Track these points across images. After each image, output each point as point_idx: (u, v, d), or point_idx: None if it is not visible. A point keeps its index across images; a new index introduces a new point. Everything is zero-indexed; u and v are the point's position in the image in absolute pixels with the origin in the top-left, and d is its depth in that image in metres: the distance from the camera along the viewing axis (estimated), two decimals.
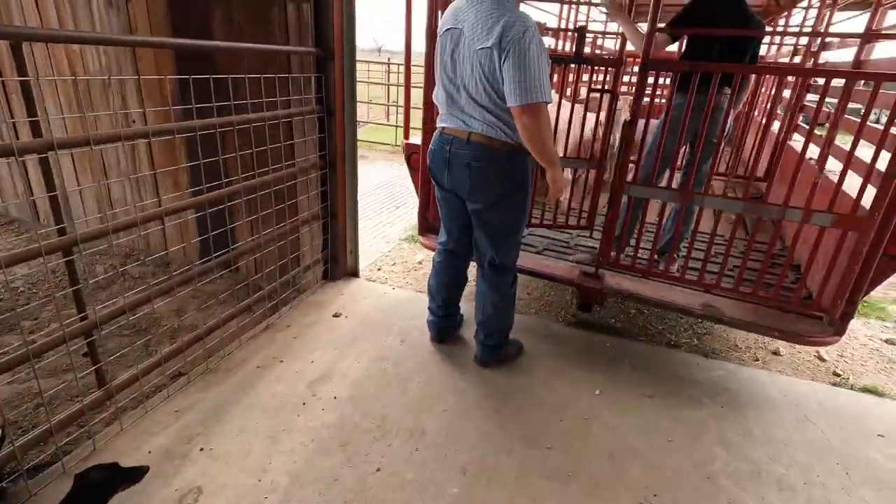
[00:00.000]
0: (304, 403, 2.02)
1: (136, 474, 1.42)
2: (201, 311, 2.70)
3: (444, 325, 2.47)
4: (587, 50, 4.99)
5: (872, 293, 3.35)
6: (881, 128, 1.92)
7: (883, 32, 2.87)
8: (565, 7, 5.36)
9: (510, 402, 2.10)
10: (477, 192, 1.93)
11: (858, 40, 2.92)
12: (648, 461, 1.85)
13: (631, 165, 2.31)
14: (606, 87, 2.44)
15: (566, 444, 1.91)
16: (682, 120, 2.15)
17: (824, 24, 3.77)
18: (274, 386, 2.11)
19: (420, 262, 3.54)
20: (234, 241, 2.73)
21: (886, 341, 2.89)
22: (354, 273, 3.19)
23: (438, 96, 1.99)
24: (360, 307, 2.80)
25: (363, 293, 2.97)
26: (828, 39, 3.64)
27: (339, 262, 3.09)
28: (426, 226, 2.87)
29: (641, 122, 2.27)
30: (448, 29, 1.84)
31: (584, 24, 5.51)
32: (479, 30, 1.71)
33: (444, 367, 2.32)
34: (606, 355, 2.49)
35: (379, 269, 3.41)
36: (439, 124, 2.00)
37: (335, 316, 2.69)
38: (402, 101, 9.11)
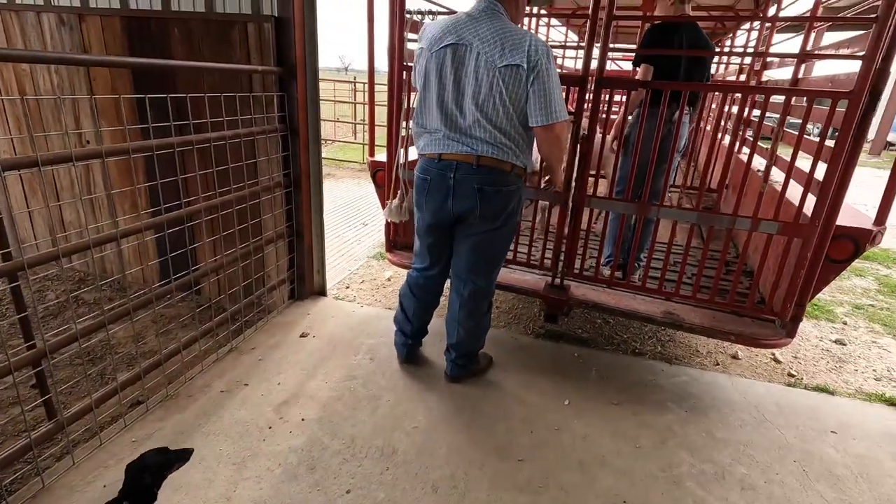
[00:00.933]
0: (269, 427, 1.96)
1: (186, 454, 1.47)
2: (161, 336, 2.61)
3: (416, 346, 2.45)
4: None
5: (820, 296, 3.54)
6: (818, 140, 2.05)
7: (815, 53, 3.08)
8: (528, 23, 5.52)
9: (481, 416, 2.10)
10: (487, 216, 1.88)
11: (795, 60, 3.13)
12: (617, 468, 1.88)
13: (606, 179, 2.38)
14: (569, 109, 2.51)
15: (537, 456, 1.91)
16: (655, 137, 2.22)
17: (765, 45, 4.02)
18: (238, 411, 2.05)
19: (388, 279, 3.53)
20: (195, 263, 2.65)
21: (835, 342, 3.04)
22: (322, 292, 3.15)
23: (429, 119, 1.87)
24: (327, 326, 2.76)
25: (331, 312, 2.93)
26: (769, 59, 3.88)
27: (306, 282, 3.05)
28: (393, 243, 2.88)
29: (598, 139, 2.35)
30: (449, 45, 1.75)
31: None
32: (499, 46, 1.67)
33: (415, 383, 2.30)
34: (574, 365, 2.53)
35: (347, 288, 3.37)
36: (432, 150, 1.88)
37: (302, 336, 2.64)
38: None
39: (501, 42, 1.67)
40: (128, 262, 3.19)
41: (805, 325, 3.20)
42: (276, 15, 2.49)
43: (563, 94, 2.01)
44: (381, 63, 2.77)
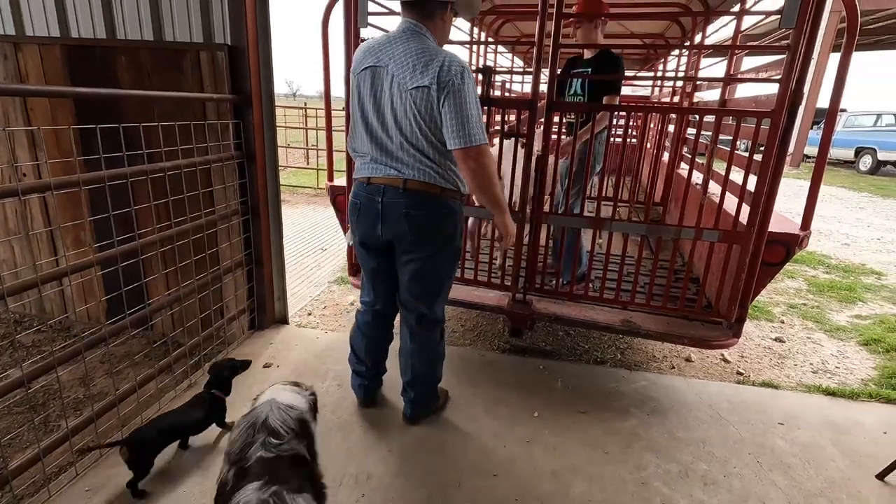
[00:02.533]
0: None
1: (247, 363, 2.15)
2: (112, 377, 2.46)
3: (375, 387, 2.31)
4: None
5: (758, 298, 3.81)
6: (747, 155, 2.25)
7: (738, 77, 3.38)
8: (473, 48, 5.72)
9: (454, 435, 2.11)
10: (418, 243, 1.81)
11: (721, 83, 3.42)
12: (588, 475, 1.93)
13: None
14: (513, 130, 2.64)
15: (512, 470, 1.94)
16: (605, 153, 2.40)
17: (694, 69, 4.37)
18: (200, 449, 1.96)
19: (352, 304, 3.50)
20: (149, 297, 2.53)
21: (775, 339, 3.27)
22: (283, 320, 3.08)
23: (359, 143, 1.84)
24: (291, 355, 2.70)
25: (294, 340, 2.87)
26: (698, 82, 4.22)
27: (267, 310, 2.98)
28: (355, 267, 2.87)
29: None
30: (368, 67, 1.72)
31: (490, 64, 5.90)
32: (410, 67, 1.61)
33: (387, 407, 2.29)
34: (540, 377, 2.59)
35: (309, 314, 3.32)
36: (362, 175, 1.84)
37: (266, 367, 2.57)
38: (321, 145, 9.08)
39: (413, 63, 1.61)
40: (71, 300, 3.01)
41: (748, 326, 3.42)
42: (230, 43, 2.49)
43: (514, 116, 2.10)
44: (337, 88, 2.80)
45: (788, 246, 2.21)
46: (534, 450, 2.06)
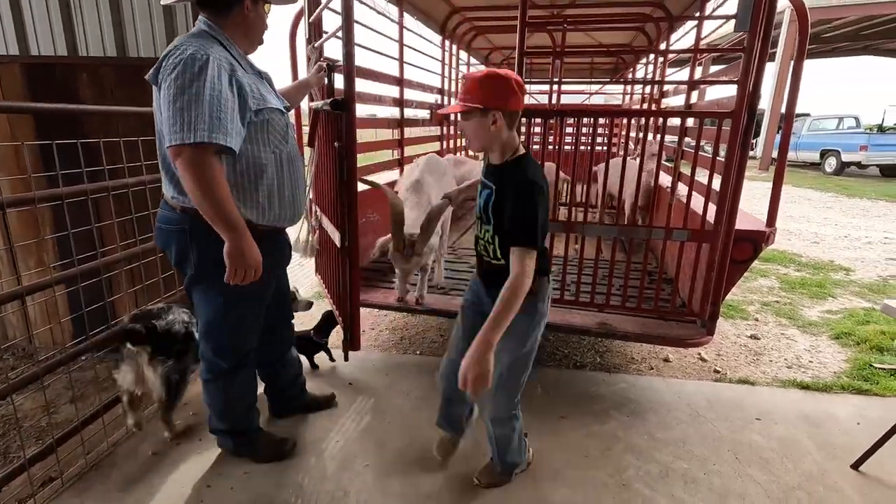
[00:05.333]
0: (208, 486, 1.82)
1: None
2: (78, 402, 2.36)
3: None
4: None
5: (733, 297, 3.87)
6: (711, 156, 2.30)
7: (701, 80, 3.48)
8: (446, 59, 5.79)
9: (433, 446, 2.08)
10: (175, 262, 1.68)
11: (686, 88, 3.51)
12: (569, 479, 1.91)
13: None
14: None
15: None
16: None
17: (660, 76, 4.48)
18: (172, 473, 1.89)
19: None
20: (114, 317, 2.45)
21: (750, 337, 3.32)
22: None
23: None
24: None
25: None
26: (665, 88, 4.33)
27: None
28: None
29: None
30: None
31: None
32: (158, 65, 1.46)
33: (363, 420, 2.24)
34: None
35: None
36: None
37: None
38: None
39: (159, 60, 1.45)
40: (34, 323, 2.90)
41: (723, 325, 3.47)
42: None
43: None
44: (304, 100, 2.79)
45: (755, 243, 2.26)
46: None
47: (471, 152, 5.31)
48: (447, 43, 4.96)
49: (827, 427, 2.29)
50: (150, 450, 2.01)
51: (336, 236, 2.10)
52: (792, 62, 2.22)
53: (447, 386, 1.82)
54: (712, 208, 2.21)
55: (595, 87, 6.92)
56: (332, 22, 3.00)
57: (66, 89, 2.55)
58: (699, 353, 3.01)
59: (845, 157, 13.11)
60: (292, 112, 2.04)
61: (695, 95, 3.80)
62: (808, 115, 15.89)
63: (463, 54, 5.67)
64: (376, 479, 1.89)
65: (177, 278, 2.46)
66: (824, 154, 13.82)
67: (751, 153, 18.05)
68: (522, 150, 1.50)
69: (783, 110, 13.47)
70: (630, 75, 6.65)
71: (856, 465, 2.00)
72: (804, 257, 5.26)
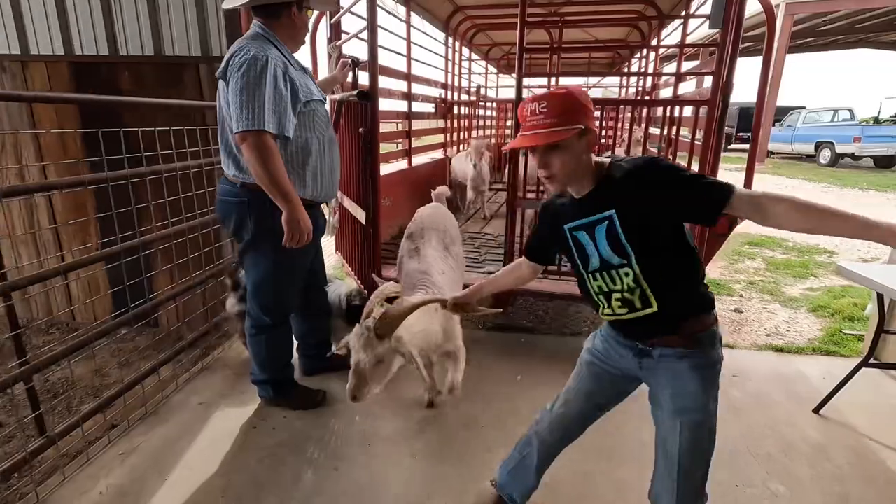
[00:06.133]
0: (254, 427, 2.11)
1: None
2: (124, 368, 2.65)
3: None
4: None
5: (721, 277, 4.14)
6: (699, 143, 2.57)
7: (685, 73, 3.74)
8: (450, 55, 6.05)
9: (447, 401, 2.35)
10: (230, 231, 1.96)
11: (673, 80, 3.78)
12: None
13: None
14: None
15: (498, 423, 2.19)
16: None
17: (653, 70, 4.74)
18: (220, 418, 2.17)
19: None
20: (152, 293, 2.67)
21: (734, 310, 3.60)
22: None
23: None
24: None
25: None
26: (658, 81, 4.59)
27: None
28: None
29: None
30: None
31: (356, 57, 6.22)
32: (224, 64, 1.72)
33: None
34: (522, 349, 2.86)
35: None
36: None
37: None
38: None
39: (225, 59, 1.72)
40: (78, 299, 3.17)
41: None
42: None
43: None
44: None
45: (731, 218, 2.52)
46: (517, 405, 2.31)
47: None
48: (450, 40, 5.22)
49: (796, 382, 2.56)
50: (199, 401, 2.29)
51: (360, 214, 2.38)
52: (762, 57, 2.48)
53: (542, 447, 1.52)
54: None
55: (593, 81, 7.18)
56: (350, 23, 3.26)
57: (110, 86, 2.81)
58: None
59: (839, 149, 13.35)
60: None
61: (684, 87, 4.07)
62: (803, 107, 16.14)
63: (465, 51, 5.92)
64: (402, 423, 2.17)
65: (205, 258, 2.73)
66: (819, 146, 14.06)
67: (744, 146, 18.26)
68: (600, 159, 1.22)
69: (780, 103, 13.53)
70: (626, 69, 6.91)
71: (816, 410, 2.28)
72: (791, 242, 5.53)
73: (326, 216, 2.67)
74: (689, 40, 3.58)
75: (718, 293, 3.92)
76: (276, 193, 1.72)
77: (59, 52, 2.92)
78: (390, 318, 1.58)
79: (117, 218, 2.11)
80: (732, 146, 19.50)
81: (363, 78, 2.24)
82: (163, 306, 2.57)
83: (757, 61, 2.49)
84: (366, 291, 2.56)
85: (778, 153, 16.19)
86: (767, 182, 10.46)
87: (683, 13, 3.47)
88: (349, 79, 2.44)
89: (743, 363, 2.77)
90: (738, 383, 2.56)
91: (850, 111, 14.52)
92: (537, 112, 1.13)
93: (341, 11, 2.57)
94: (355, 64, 2.41)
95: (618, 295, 1.20)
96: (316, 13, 2.90)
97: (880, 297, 2.13)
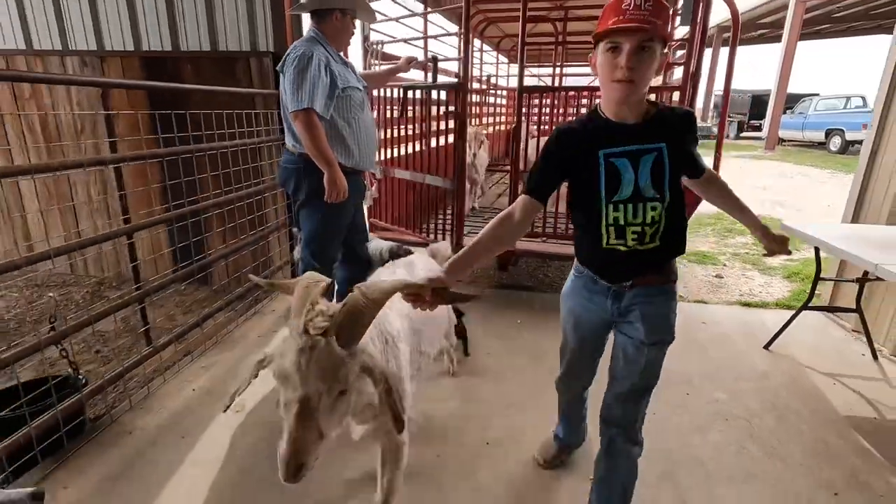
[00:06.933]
0: None
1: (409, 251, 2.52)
2: (188, 315, 3.18)
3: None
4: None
5: (711, 249, 4.55)
6: None
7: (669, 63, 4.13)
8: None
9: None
10: (290, 192, 2.47)
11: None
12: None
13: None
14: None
15: (501, 352, 2.68)
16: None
17: None
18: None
19: None
20: (205, 251, 3.15)
21: (716, 276, 4.02)
22: None
23: None
24: None
25: None
26: None
27: None
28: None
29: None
30: None
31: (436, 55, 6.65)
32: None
33: None
34: (523, 302, 3.34)
35: None
36: None
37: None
38: None
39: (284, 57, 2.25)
40: (142, 259, 3.72)
41: (695, 268, 4.18)
42: (273, 51, 3.22)
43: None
44: None
45: None
46: (516, 341, 2.79)
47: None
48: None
49: (754, 328, 3.00)
50: (257, 335, 2.82)
51: (441, 182, 2.88)
52: (782, 45, 2.88)
53: (572, 405, 1.82)
54: None
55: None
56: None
57: (175, 77, 3.32)
58: None
59: (849, 136, 13.44)
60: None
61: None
62: (816, 94, 16.16)
63: (475, 43, 6.33)
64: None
65: (254, 223, 3.24)
66: (829, 133, 14.16)
67: (757, 134, 18.23)
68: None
69: (791, 91, 13.60)
70: None
71: (766, 346, 2.73)
72: (786, 222, 5.88)
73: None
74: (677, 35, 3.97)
75: (704, 262, 4.35)
76: (319, 159, 2.19)
77: (130, 48, 3.43)
78: (355, 312, 1.01)
79: (178, 187, 2.63)
80: (744, 134, 19.61)
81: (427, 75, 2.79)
82: (216, 263, 3.10)
83: (773, 48, 2.92)
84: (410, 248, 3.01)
85: (789, 141, 16.27)
86: (774, 170, 10.72)
87: (671, 10, 3.85)
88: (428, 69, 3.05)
89: (713, 314, 3.22)
90: (705, 328, 3.01)
91: (863, 98, 14.53)
92: (642, 7, 1.09)
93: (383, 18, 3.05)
94: (435, 61, 3.01)
95: (636, 228, 1.22)
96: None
97: (817, 250, 2.56)
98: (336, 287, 2.84)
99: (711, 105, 23.30)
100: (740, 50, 3.45)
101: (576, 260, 1.46)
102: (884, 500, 1.71)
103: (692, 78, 2.71)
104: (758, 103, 19.10)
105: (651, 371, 1.39)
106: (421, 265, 1.95)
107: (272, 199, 3.42)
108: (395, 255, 2.89)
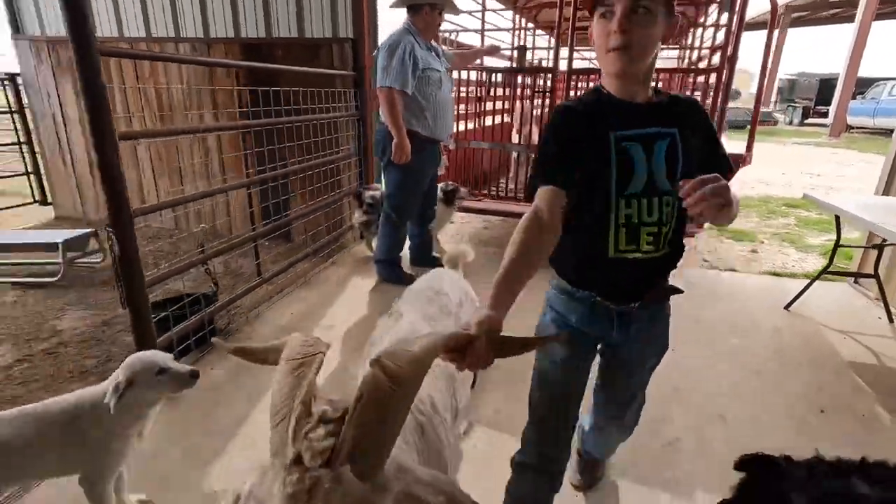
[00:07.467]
0: (372, 290, 3.15)
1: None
2: (275, 264, 3.77)
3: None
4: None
5: (751, 227, 4.75)
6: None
7: (714, 47, 4.31)
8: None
9: None
10: (380, 154, 3.03)
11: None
12: None
13: None
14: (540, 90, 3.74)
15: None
16: None
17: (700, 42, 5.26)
18: (351, 286, 3.24)
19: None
20: (287, 210, 3.71)
21: (751, 251, 4.24)
22: None
23: None
24: None
25: None
26: (703, 52, 5.12)
27: None
28: None
29: None
30: None
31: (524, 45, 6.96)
32: None
33: None
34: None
35: None
36: None
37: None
38: None
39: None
40: (234, 217, 4.36)
41: (732, 244, 4.40)
42: (352, 37, 3.71)
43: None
44: None
45: (736, 162, 3.22)
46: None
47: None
48: (516, 17, 5.96)
49: (779, 293, 3.25)
50: (336, 280, 3.37)
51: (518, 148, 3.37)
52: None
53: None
54: None
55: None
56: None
57: (268, 60, 3.87)
58: (704, 259, 3.99)
59: None
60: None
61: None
62: (892, 79, 15.20)
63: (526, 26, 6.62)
64: None
65: (329, 187, 3.77)
66: None
67: (823, 120, 17.34)
68: None
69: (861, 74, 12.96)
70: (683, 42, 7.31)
71: (787, 307, 3.00)
72: (808, 192, 5.90)
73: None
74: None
75: (741, 239, 4.56)
76: (392, 127, 2.77)
77: (231, 35, 4.01)
78: (379, 406, 0.62)
79: (266, 154, 3.18)
80: (809, 120, 18.67)
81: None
82: (296, 221, 3.66)
83: (843, 29, 3.16)
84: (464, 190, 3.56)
85: (859, 128, 15.44)
86: (835, 158, 10.38)
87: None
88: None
89: (741, 281, 3.49)
90: (730, 290, 3.30)
91: None
92: None
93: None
94: (523, 49, 3.60)
95: (652, 228, 1.05)
96: None
97: (837, 219, 2.81)
98: (408, 242, 3.36)
99: (775, 90, 22.26)
100: (810, 31, 3.64)
101: (557, 287, 1.21)
102: (864, 419, 2.02)
103: (729, 61, 2.97)
104: (826, 88, 18.10)
105: (645, 381, 1.34)
106: (449, 281, 1.65)
107: (346, 167, 3.94)
108: (449, 193, 3.39)
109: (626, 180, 1.04)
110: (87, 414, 1.31)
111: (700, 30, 5.27)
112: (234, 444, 1.82)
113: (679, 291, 1.21)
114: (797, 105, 19.10)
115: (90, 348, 2.55)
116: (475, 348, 0.81)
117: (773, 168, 8.46)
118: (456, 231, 4.59)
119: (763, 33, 3.46)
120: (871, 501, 0.92)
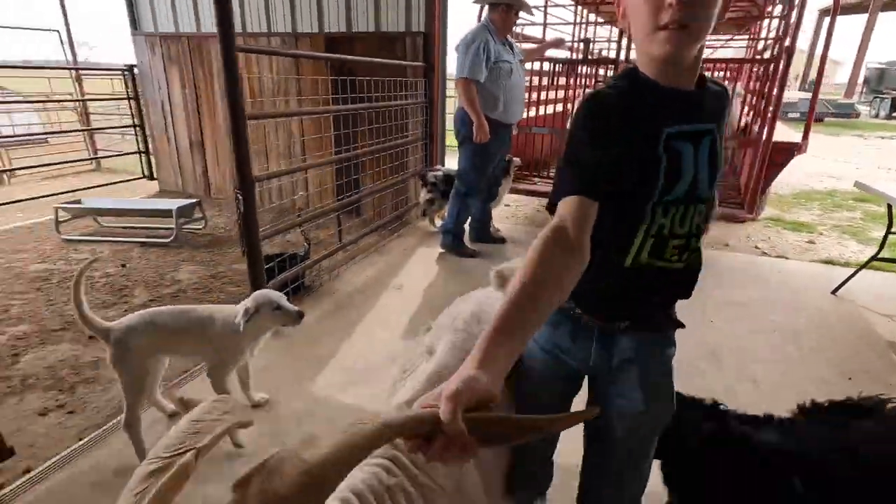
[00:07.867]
0: (438, 258, 3.52)
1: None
2: (348, 236, 4.23)
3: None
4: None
5: (808, 219, 4.73)
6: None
7: (763, 38, 4.31)
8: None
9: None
10: (457, 133, 3.38)
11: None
12: None
13: None
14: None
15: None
16: None
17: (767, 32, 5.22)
18: (418, 255, 3.63)
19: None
20: (359, 187, 4.16)
21: (808, 242, 4.24)
22: None
23: None
24: None
25: None
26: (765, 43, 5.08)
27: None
28: None
29: None
30: None
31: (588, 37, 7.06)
32: None
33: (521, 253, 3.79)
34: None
35: None
36: None
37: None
38: None
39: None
40: (312, 193, 4.86)
41: (788, 235, 4.41)
42: (424, 31, 4.06)
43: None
44: None
45: (791, 149, 3.32)
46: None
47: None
48: (579, 8, 6.10)
49: (828, 279, 3.32)
50: (403, 248, 3.77)
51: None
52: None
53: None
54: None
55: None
56: None
57: (349, 52, 4.30)
58: (756, 245, 4.07)
59: None
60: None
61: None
62: None
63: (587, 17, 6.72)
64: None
65: (396, 169, 4.16)
66: None
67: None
68: None
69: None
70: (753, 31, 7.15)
71: (834, 291, 3.09)
72: (859, 179, 5.68)
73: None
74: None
75: (799, 230, 4.55)
76: (470, 111, 3.16)
77: (316, 30, 4.48)
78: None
79: (343, 137, 3.60)
80: None
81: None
82: (368, 197, 4.09)
83: None
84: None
85: None
86: None
87: None
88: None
89: (791, 267, 3.57)
90: (779, 275, 3.40)
91: None
92: None
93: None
94: (587, 42, 3.81)
95: (680, 241, 0.90)
96: None
97: (889, 207, 2.87)
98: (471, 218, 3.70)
99: (861, 79, 20.66)
100: None
101: None
102: (892, 388, 2.16)
103: (787, 51, 3.07)
104: None
105: (636, 453, 1.05)
106: (476, 300, 1.37)
107: (413, 150, 4.32)
108: (506, 164, 3.73)
109: (671, 184, 0.86)
110: (218, 323, 1.74)
111: (767, 20, 5.23)
112: (327, 368, 2.25)
113: (680, 325, 1.01)
114: (885, 96, 17.68)
115: (204, 294, 3.09)
116: (447, 433, 0.59)
117: (846, 162, 8.08)
118: (511, 213, 4.89)
119: (857, 18, 3.48)
120: (755, 442, 1.15)
